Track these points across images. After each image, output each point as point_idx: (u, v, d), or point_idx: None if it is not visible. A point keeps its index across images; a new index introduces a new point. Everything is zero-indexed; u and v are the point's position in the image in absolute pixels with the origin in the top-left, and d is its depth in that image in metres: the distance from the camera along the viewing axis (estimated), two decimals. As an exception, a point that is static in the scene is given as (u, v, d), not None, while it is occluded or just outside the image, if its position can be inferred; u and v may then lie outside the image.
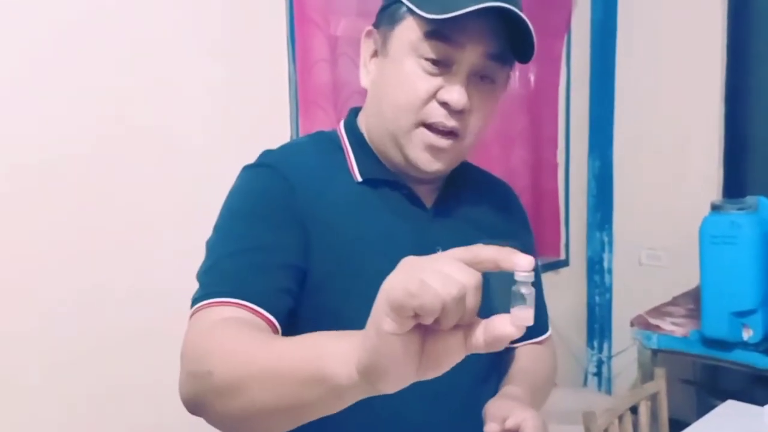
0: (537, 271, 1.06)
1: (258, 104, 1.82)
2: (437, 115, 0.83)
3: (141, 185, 1.57)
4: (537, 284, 1.07)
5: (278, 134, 1.85)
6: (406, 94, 0.82)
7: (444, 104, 0.82)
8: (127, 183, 1.55)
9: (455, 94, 0.81)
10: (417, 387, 0.82)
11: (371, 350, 0.52)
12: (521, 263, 0.53)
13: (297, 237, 0.82)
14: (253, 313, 0.76)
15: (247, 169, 0.90)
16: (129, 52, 1.53)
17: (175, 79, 1.62)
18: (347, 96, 1.98)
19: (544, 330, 1.10)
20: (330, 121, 1.89)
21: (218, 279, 0.79)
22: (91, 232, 1.49)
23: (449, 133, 0.84)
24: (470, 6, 0.76)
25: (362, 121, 0.94)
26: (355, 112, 0.96)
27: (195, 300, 0.79)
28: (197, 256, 0.84)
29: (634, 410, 1.67)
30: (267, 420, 0.65)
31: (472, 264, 0.53)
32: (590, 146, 3.05)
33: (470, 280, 0.51)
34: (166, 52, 1.60)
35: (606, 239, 3.06)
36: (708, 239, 2.08)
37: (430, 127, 0.84)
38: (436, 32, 0.80)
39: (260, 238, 0.81)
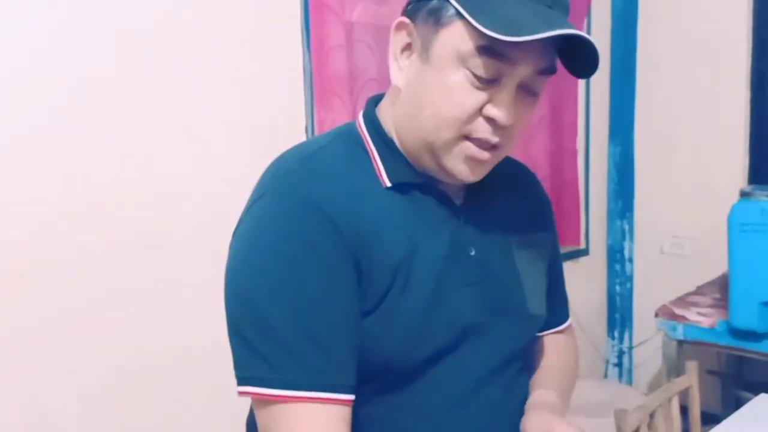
0: (558, 257, 1.06)
1: (272, 93, 1.77)
2: (483, 131, 0.77)
3: (156, 180, 1.54)
4: (558, 271, 1.05)
5: (294, 124, 1.81)
6: (452, 108, 0.76)
7: (489, 119, 0.77)
8: (141, 180, 1.52)
9: (504, 111, 0.76)
10: (452, 386, 0.79)
11: None
12: None
13: (353, 281, 0.76)
14: (345, 403, 0.74)
15: (265, 197, 0.79)
16: (138, 45, 1.49)
17: (188, 70, 1.58)
18: (363, 83, 1.93)
19: (565, 318, 1.09)
20: (346, 109, 1.85)
21: (292, 362, 0.72)
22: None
23: (491, 147, 0.80)
24: (539, 31, 0.69)
25: (386, 117, 0.86)
26: (375, 101, 0.89)
27: (263, 382, 0.72)
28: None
29: (662, 404, 1.62)
30: None
31: None
32: (611, 132, 2.98)
33: None
34: (178, 42, 1.56)
35: (627, 227, 3.00)
36: (737, 227, 2.01)
37: (471, 139, 0.79)
38: (490, 49, 0.73)
39: (325, 304, 0.74)
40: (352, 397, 0.75)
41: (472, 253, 0.86)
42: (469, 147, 0.78)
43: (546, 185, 2.61)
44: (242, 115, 1.69)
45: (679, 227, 2.86)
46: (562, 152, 2.72)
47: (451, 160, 0.80)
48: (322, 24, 1.82)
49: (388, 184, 0.82)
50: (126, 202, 1.49)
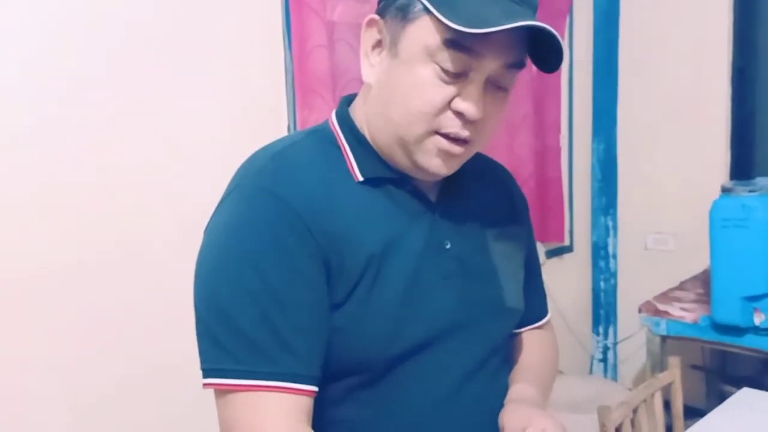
0: (535, 252, 1.07)
1: (254, 93, 1.76)
2: (452, 125, 0.78)
3: (137, 183, 1.53)
4: (535, 266, 1.06)
5: (275, 124, 1.80)
6: (421, 102, 0.77)
7: (458, 113, 0.78)
8: (125, 182, 1.50)
9: (472, 105, 0.77)
10: (430, 382, 0.79)
11: None
12: None
13: (320, 278, 0.76)
14: (306, 394, 0.74)
15: (236, 193, 0.79)
16: (118, 43, 1.48)
17: (169, 71, 1.57)
18: (346, 83, 1.92)
19: (544, 313, 1.10)
20: (329, 109, 1.83)
21: (253, 354, 0.73)
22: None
23: (462, 141, 0.80)
24: (503, 24, 0.71)
25: (359, 115, 0.87)
26: (347, 101, 0.90)
27: (226, 373, 0.73)
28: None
29: (646, 400, 1.63)
30: None
31: None
32: (594, 130, 3.00)
33: None
34: (158, 42, 1.54)
35: (611, 224, 3.02)
36: (718, 223, 2.03)
37: (442, 134, 0.79)
38: (457, 42, 0.74)
39: (293, 297, 0.74)
40: (313, 388, 0.75)
41: (448, 247, 0.86)
42: (440, 141, 0.79)
43: (530, 183, 2.63)
44: (223, 115, 1.68)
45: (663, 223, 2.88)
46: (545, 150, 2.73)
47: (423, 155, 0.80)
48: (303, 23, 1.82)
49: (361, 179, 0.83)
50: (107, 206, 1.48)
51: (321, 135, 0.87)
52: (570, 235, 2.93)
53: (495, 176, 1.03)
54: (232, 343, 0.73)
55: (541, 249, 2.59)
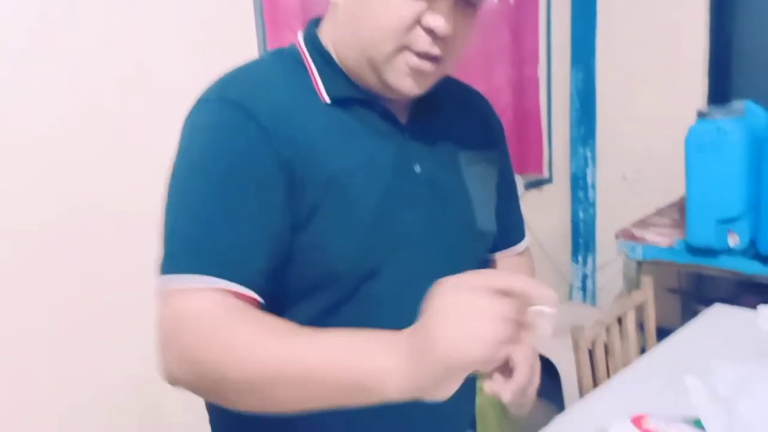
0: (511, 176, 1.06)
1: (223, 27, 1.72)
2: (422, 43, 0.76)
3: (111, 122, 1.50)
4: (511, 191, 1.05)
5: (245, 58, 1.75)
6: (389, 19, 0.75)
7: (428, 30, 0.76)
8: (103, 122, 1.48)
9: (441, 21, 0.75)
10: (399, 306, 0.79)
11: (430, 383, 0.58)
12: (549, 301, 0.58)
13: (276, 187, 0.75)
14: (241, 297, 0.71)
15: (202, 104, 0.79)
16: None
17: (136, 7, 1.52)
18: (318, 15, 1.88)
19: (521, 237, 1.09)
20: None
21: (193, 252, 0.71)
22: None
23: (433, 58, 0.78)
24: None
25: (327, 36, 0.84)
26: (315, 23, 0.88)
27: (167, 271, 0.71)
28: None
29: (620, 321, 1.67)
30: (288, 408, 0.67)
31: (503, 294, 0.57)
32: (572, 59, 2.97)
33: (507, 314, 0.57)
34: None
35: (590, 154, 3.03)
36: (694, 147, 2.04)
37: (412, 50, 0.77)
38: None
39: (238, 201, 0.73)
40: (251, 293, 0.72)
41: (418, 170, 0.85)
42: (411, 58, 0.77)
43: (508, 114, 2.62)
44: (192, 50, 1.64)
45: (641, 152, 2.89)
46: (523, 80, 2.70)
47: (393, 73, 0.78)
48: (270, -48, 1.76)
49: (328, 100, 0.81)
50: (75, 152, 1.46)
51: (287, 55, 0.85)
52: (549, 166, 2.93)
53: (469, 100, 1.01)
54: (171, 244, 0.73)
55: (520, 181, 2.60)
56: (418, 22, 0.75)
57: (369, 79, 0.81)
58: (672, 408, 1.16)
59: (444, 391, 0.58)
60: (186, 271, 0.70)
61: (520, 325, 0.58)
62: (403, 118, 0.86)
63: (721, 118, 2.02)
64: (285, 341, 0.65)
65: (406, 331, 0.61)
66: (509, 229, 1.04)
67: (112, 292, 1.54)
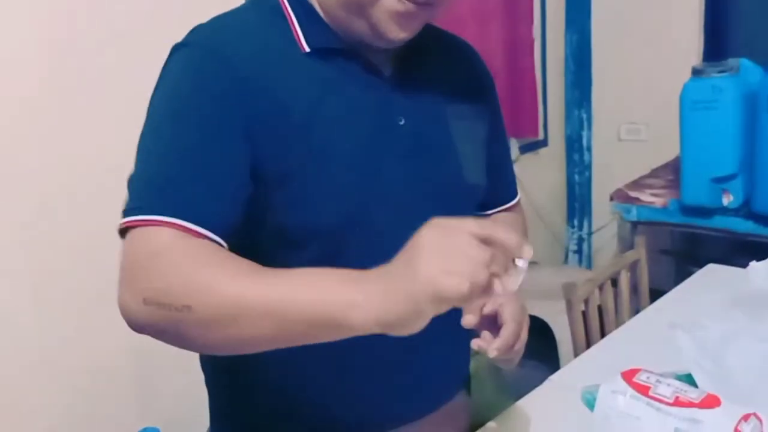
0: (502, 132, 1.03)
1: None
2: None
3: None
4: (502, 146, 1.03)
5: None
6: None
7: None
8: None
9: None
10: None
11: (399, 315, 0.57)
12: (526, 254, 0.59)
13: (243, 133, 0.74)
14: (201, 237, 0.69)
15: (178, 49, 0.78)
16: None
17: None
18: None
19: (513, 195, 1.07)
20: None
21: (156, 192, 0.70)
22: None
23: (422, 4, 0.76)
24: None
25: None
26: None
27: (129, 211, 0.70)
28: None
29: (614, 283, 1.67)
30: (253, 345, 0.65)
31: (484, 241, 0.58)
32: (567, 20, 2.93)
33: (487, 261, 0.58)
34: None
35: (585, 116, 3.01)
36: (689, 105, 2.03)
37: None
38: None
39: (202, 144, 0.72)
40: (211, 234, 0.70)
41: (402, 123, 0.83)
42: (396, 2, 0.74)
43: (502, 76, 2.59)
44: (174, 21, 1.61)
45: (636, 113, 2.87)
46: (517, 42, 2.67)
47: (380, 18, 0.76)
48: None
49: (307, 50, 0.79)
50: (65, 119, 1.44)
51: (266, 4, 0.82)
52: (544, 129, 2.91)
53: (458, 52, 0.98)
54: (135, 185, 0.72)
55: (514, 144, 2.58)
56: None
57: (354, 26, 0.78)
58: (664, 365, 1.17)
59: (414, 326, 0.58)
60: (147, 212, 0.68)
61: (495, 275, 0.59)
62: (387, 70, 0.84)
63: (716, 75, 1.99)
64: (251, 276, 0.64)
65: (384, 266, 0.60)
66: (500, 186, 1.03)
67: (102, 254, 1.53)
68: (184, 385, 1.36)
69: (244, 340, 0.64)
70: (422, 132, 0.85)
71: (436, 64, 0.90)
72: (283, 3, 0.82)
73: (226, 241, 0.71)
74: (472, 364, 1.04)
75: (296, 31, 0.80)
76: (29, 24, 1.39)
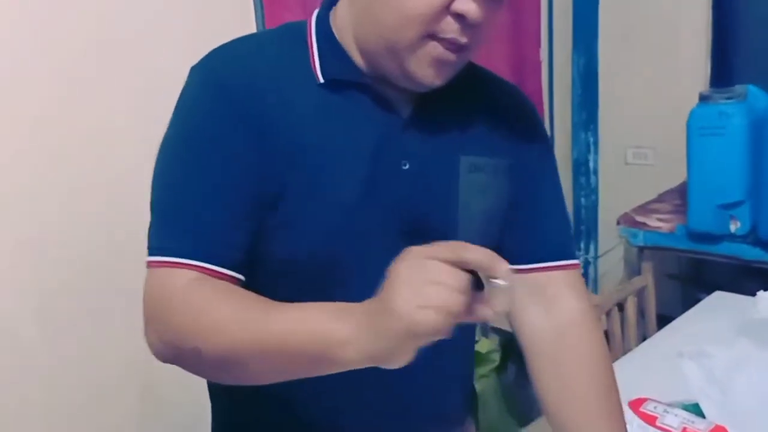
0: (550, 187, 0.92)
1: (221, 7, 1.70)
2: (451, 30, 0.71)
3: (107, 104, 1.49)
4: (549, 201, 0.91)
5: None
6: (417, 4, 0.69)
7: (458, 16, 0.70)
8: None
9: (474, 5, 0.69)
10: None
11: (386, 350, 0.59)
12: (501, 273, 0.58)
13: (253, 166, 0.74)
14: (217, 276, 0.72)
15: (194, 76, 0.78)
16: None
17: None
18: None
19: (564, 255, 0.90)
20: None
21: (174, 231, 0.73)
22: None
23: (458, 47, 0.73)
24: None
25: (341, 16, 0.79)
26: (329, 2, 0.82)
27: (151, 250, 0.73)
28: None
29: (621, 308, 1.66)
30: (263, 380, 0.71)
31: (457, 265, 0.58)
32: (574, 42, 2.93)
33: (462, 286, 0.58)
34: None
35: (591, 140, 3.00)
36: (696, 131, 2.03)
37: (438, 39, 0.72)
38: None
39: (216, 179, 0.73)
40: (233, 274, 0.73)
41: (405, 167, 0.79)
42: (436, 48, 0.72)
43: (509, 98, 2.59)
44: (187, 28, 1.62)
45: (643, 137, 2.86)
46: (525, 63, 2.68)
47: (416, 62, 0.73)
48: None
49: (321, 80, 0.77)
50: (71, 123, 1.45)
51: (293, 31, 0.82)
52: (550, 151, 2.90)
53: (495, 94, 0.90)
54: (155, 221, 0.75)
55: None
56: (447, 7, 0.70)
57: (384, 64, 0.76)
58: (671, 393, 1.16)
59: (399, 360, 0.59)
60: (166, 254, 0.72)
61: (475, 299, 0.59)
62: (405, 109, 0.81)
63: (723, 101, 2.00)
64: (252, 318, 0.66)
65: (368, 300, 0.61)
66: (545, 240, 0.90)
67: (106, 267, 1.53)
68: (187, 398, 1.35)
69: (253, 377, 0.70)
70: (426, 179, 0.80)
71: (465, 107, 0.85)
72: (309, 30, 0.80)
73: (243, 272, 0.74)
74: (478, 387, 1.03)
75: (314, 61, 0.78)
76: (29, 25, 1.39)
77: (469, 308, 0.58)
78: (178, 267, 0.71)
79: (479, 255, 0.58)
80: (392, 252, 0.73)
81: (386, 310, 0.58)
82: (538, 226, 0.90)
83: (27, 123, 1.40)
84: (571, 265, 0.90)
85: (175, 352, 0.70)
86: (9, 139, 1.38)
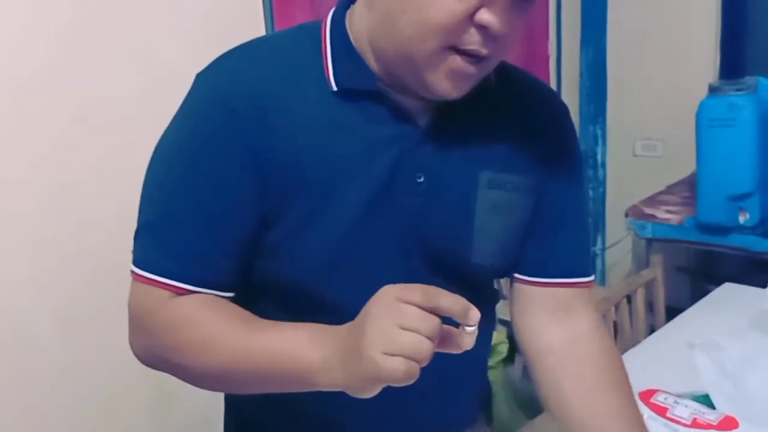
0: (572, 207, 0.87)
1: (230, 5, 1.71)
2: (473, 41, 0.67)
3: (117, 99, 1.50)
4: (572, 220, 0.87)
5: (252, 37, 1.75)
6: (439, 13, 0.65)
7: (481, 27, 0.66)
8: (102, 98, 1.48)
9: (499, 17, 0.65)
10: None
11: (353, 387, 0.61)
12: (472, 321, 0.59)
13: (245, 184, 0.71)
14: (181, 292, 0.72)
15: (199, 84, 0.75)
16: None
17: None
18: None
19: (580, 272, 0.87)
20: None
21: (160, 246, 0.72)
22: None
23: (479, 59, 0.69)
24: None
25: (358, 20, 0.75)
26: (347, 2, 0.78)
27: (135, 261, 0.73)
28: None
29: (630, 300, 1.66)
30: (242, 391, 0.78)
31: (430, 311, 0.58)
32: (582, 36, 2.93)
33: (434, 334, 0.58)
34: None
35: (599, 132, 3.00)
36: (705, 123, 2.02)
37: (459, 50, 0.68)
38: None
39: (208, 197, 0.71)
40: (208, 291, 0.72)
41: (420, 180, 0.75)
42: (456, 60, 0.68)
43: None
44: (197, 27, 1.63)
45: (651, 129, 2.86)
46: (533, 57, 2.68)
47: (433, 74, 0.69)
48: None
49: (335, 88, 0.73)
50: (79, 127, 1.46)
51: (307, 33, 0.77)
52: (559, 144, 2.90)
53: (527, 100, 0.84)
54: (142, 233, 0.74)
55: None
56: (470, 18, 0.66)
57: (401, 73, 0.71)
58: (681, 385, 1.17)
59: (366, 394, 0.61)
60: (150, 270, 0.72)
61: (444, 340, 0.60)
62: (423, 118, 0.76)
63: (733, 93, 1.99)
64: (234, 338, 0.68)
65: (345, 328, 0.62)
66: (560, 256, 0.86)
67: (124, 268, 1.54)
68: (200, 397, 1.37)
69: (237, 390, 0.75)
70: (440, 193, 0.76)
71: (491, 117, 0.79)
72: (324, 32, 0.76)
73: (231, 290, 0.75)
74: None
75: (327, 68, 0.74)
76: (32, 15, 1.40)
77: (439, 342, 0.59)
78: (160, 286, 0.71)
79: (453, 302, 0.58)
80: (389, 270, 0.73)
81: (356, 350, 0.58)
82: (559, 243, 0.86)
83: (49, 126, 1.41)
84: (587, 282, 0.88)
85: (160, 365, 0.73)
86: (30, 142, 1.39)
